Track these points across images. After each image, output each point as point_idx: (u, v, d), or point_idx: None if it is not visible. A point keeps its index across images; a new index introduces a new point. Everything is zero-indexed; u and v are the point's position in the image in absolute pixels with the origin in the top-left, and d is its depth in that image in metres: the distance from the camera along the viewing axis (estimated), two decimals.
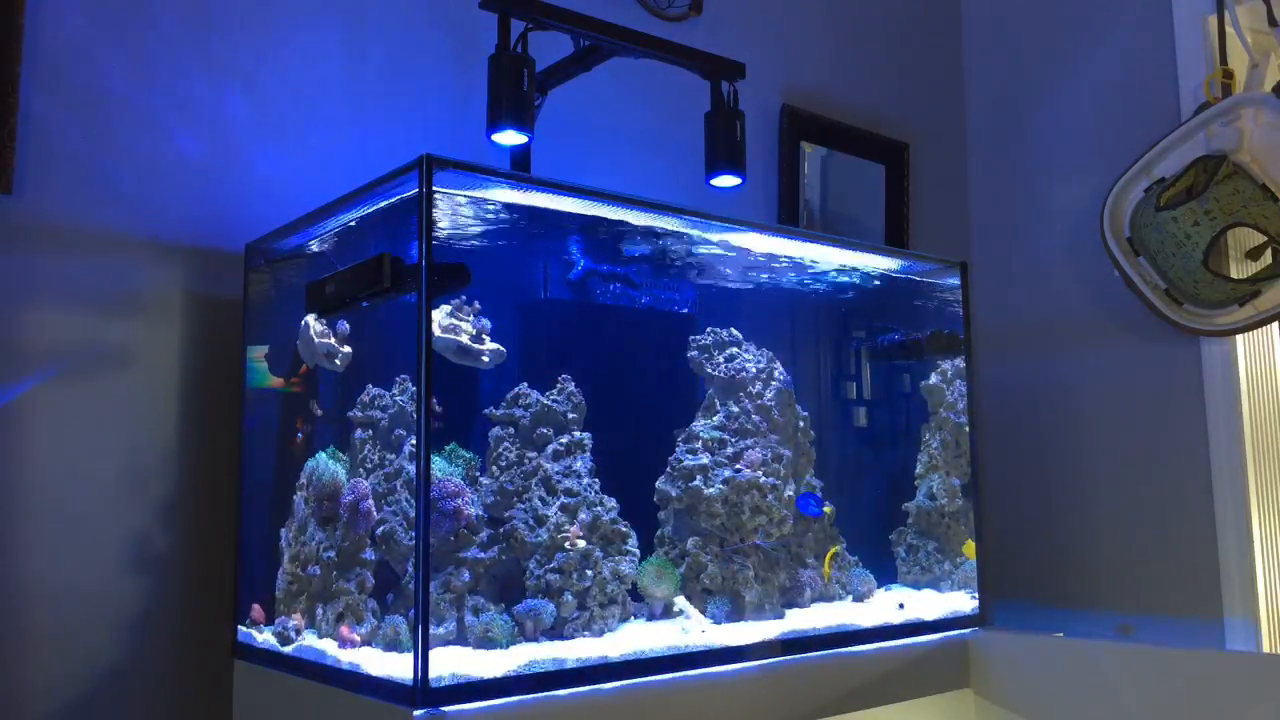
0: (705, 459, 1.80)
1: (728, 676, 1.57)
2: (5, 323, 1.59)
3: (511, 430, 1.69)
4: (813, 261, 2.09)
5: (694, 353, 1.91)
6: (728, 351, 1.91)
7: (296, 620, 1.57)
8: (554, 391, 1.71)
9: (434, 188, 1.36)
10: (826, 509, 1.72)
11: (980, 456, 2.17)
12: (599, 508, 1.65)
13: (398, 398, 1.64)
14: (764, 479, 1.79)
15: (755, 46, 2.49)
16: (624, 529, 1.66)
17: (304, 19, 1.91)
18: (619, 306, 1.95)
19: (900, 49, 2.89)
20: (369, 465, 1.63)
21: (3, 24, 1.58)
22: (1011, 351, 2.82)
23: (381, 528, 1.55)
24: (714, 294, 2.05)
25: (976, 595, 1.99)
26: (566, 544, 1.58)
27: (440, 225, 1.53)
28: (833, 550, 1.93)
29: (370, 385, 1.67)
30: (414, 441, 1.54)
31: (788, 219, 2.52)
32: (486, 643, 1.47)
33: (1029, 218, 2.84)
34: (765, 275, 2.09)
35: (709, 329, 1.92)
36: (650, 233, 1.82)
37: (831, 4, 2.75)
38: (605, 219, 1.73)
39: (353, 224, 1.60)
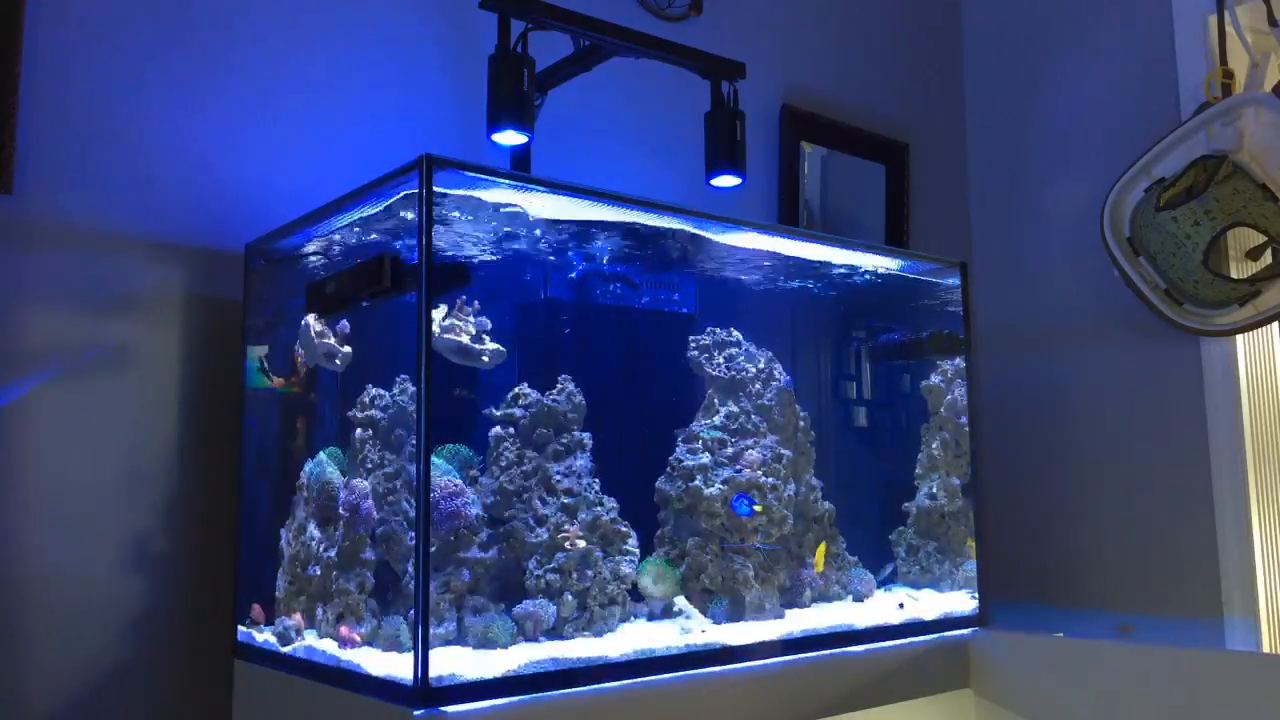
0: (705, 459, 1.80)
1: (728, 676, 1.57)
2: (5, 323, 1.59)
3: (511, 430, 1.69)
4: (813, 261, 2.09)
5: (694, 353, 1.91)
6: (728, 351, 1.90)
7: (296, 620, 1.57)
8: (554, 391, 1.71)
9: (434, 188, 1.36)
10: (758, 509, 1.72)
11: (980, 456, 2.17)
12: (599, 508, 1.65)
13: (398, 398, 1.64)
14: (764, 479, 1.79)
15: (755, 46, 2.49)
16: (624, 529, 1.66)
17: (304, 18, 1.91)
18: (619, 306, 1.95)
19: (900, 49, 2.89)
20: (369, 465, 1.63)
21: (3, 24, 1.58)
22: (1011, 351, 2.82)
23: (381, 528, 1.55)
24: (714, 294, 2.05)
25: (976, 595, 1.99)
26: (566, 544, 1.58)
27: (440, 225, 1.53)
28: (823, 545, 1.92)
29: (370, 385, 1.67)
30: (414, 441, 1.54)
31: (788, 219, 2.52)
32: (486, 643, 1.47)
33: (1029, 218, 2.84)
34: (765, 275, 2.09)
35: (709, 329, 1.92)
36: (650, 232, 1.82)
37: (831, 4, 2.75)
38: (605, 219, 1.73)
39: (353, 224, 1.60)
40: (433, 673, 1.29)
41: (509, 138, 1.71)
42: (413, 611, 1.34)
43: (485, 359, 1.55)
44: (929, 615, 1.90)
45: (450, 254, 1.63)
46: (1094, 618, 2.57)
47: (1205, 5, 2.46)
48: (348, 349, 1.62)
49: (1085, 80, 2.74)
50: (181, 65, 1.77)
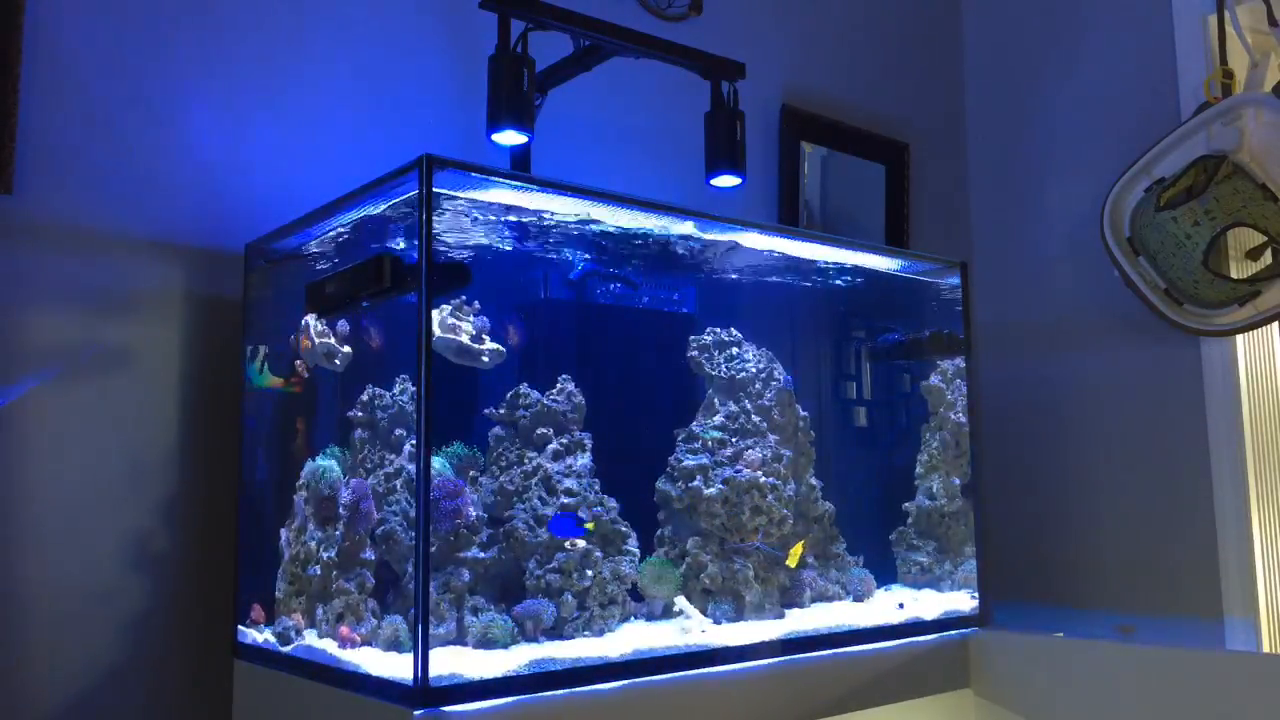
0: (705, 459, 1.80)
1: (728, 676, 1.57)
2: (5, 323, 1.59)
3: (511, 430, 1.69)
4: (813, 261, 2.09)
5: (694, 353, 1.91)
6: (728, 351, 1.90)
7: (296, 620, 1.57)
8: (554, 391, 1.71)
9: (434, 188, 1.36)
10: (590, 525, 1.66)
11: (980, 456, 2.17)
12: (599, 508, 1.65)
13: (398, 398, 1.64)
14: (764, 479, 1.79)
15: (755, 46, 2.49)
16: (624, 529, 1.66)
17: (304, 18, 1.91)
18: (619, 306, 1.95)
19: (900, 49, 2.89)
20: (369, 465, 1.63)
21: (3, 24, 1.58)
22: (1011, 351, 2.82)
23: (381, 528, 1.55)
24: (714, 294, 2.05)
25: (976, 595, 1.99)
26: (567, 544, 1.58)
27: (440, 225, 1.53)
28: (800, 544, 1.89)
29: (370, 385, 1.67)
30: (414, 441, 1.54)
31: (788, 219, 2.52)
32: (486, 643, 1.47)
33: (1029, 218, 2.84)
34: (765, 275, 2.09)
35: (709, 329, 1.92)
36: (650, 233, 1.82)
37: (831, 4, 2.75)
38: (605, 219, 1.73)
39: (353, 224, 1.60)
40: (433, 673, 1.29)
41: (509, 138, 1.71)
42: (413, 611, 1.34)
43: (485, 359, 1.55)
44: (929, 615, 1.90)
45: (450, 254, 1.63)
46: (1094, 618, 2.57)
47: (1205, 5, 2.46)
48: (347, 349, 1.63)
49: (1085, 80, 2.74)
50: (181, 65, 1.77)
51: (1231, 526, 2.37)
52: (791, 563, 1.82)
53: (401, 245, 1.52)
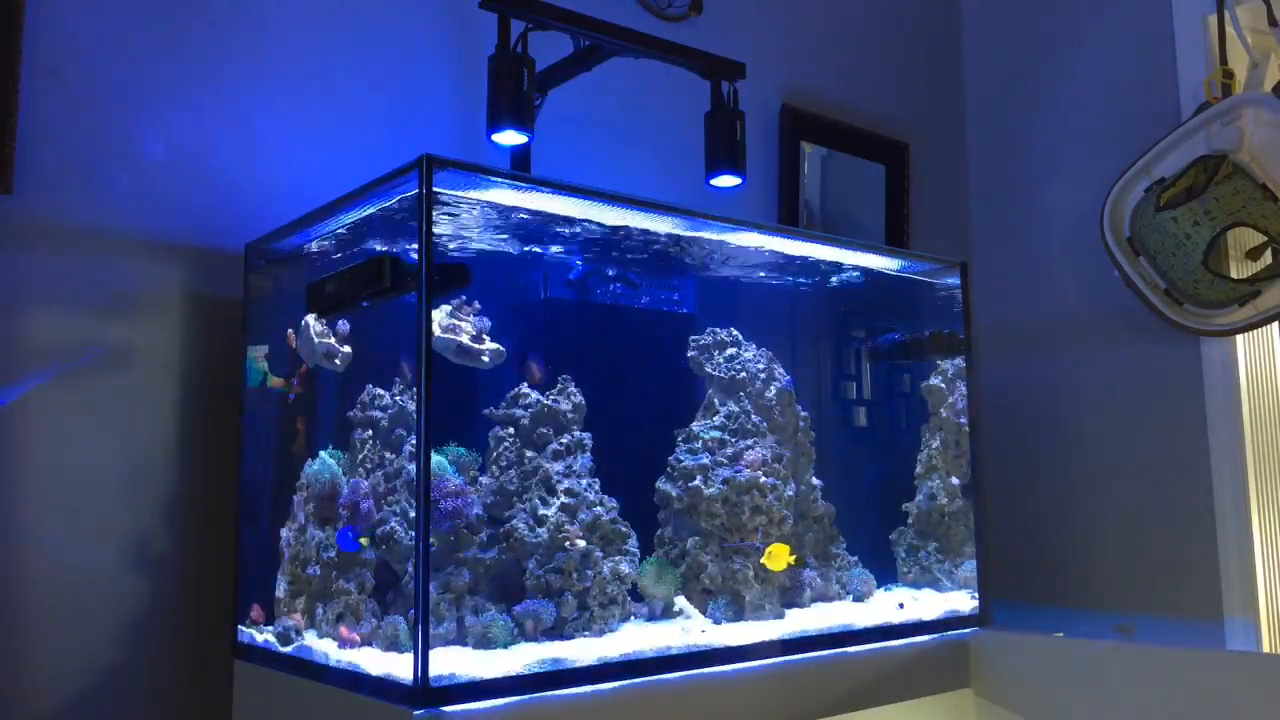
0: (705, 459, 1.80)
1: (728, 676, 1.57)
2: (5, 323, 1.59)
3: (511, 430, 1.69)
4: (813, 261, 2.09)
5: (694, 353, 1.91)
6: (728, 351, 1.90)
7: (296, 620, 1.57)
8: (554, 391, 1.71)
9: (434, 188, 1.36)
10: (363, 541, 1.62)
11: (980, 456, 2.17)
12: (599, 508, 1.65)
13: (398, 398, 1.64)
14: (764, 479, 1.79)
15: (755, 46, 2.49)
16: (624, 529, 1.66)
17: (304, 19, 1.91)
18: (619, 306, 1.95)
19: (900, 49, 2.89)
20: (369, 465, 1.63)
21: (3, 23, 1.58)
22: (1011, 351, 2.82)
23: (381, 528, 1.55)
24: (714, 294, 2.05)
25: (976, 595, 1.99)
26: (566, 544, 1.58)
27: (440, 225, 1.53)
28: (786, 549, 1.84)
29: (370, 385, 1.67)
30: (414, 441, 1.54)
31: (788, 219, 2.52)
32: (486, 643, 1.47)
33: (1029, 218, 2.84)
34: (765, 275, 2.09)
35: (709, 329, 1.92)
36: (650, 233, 1.82)
37: (831, 4, 2.75)
38: (605, 219, 1.73)
39: (353, 224, 1.60)
40: (433, 673, 1.29)
41: (509, 138, 1.71)
42: (413, 611, 1.34)
43: (485, 359, 1.55)
44: (929, 615, 1.90)
45: (450, 254, 1.63)
46: (1094, 618, 2.57)
47: (1205, 5, 2.46)
48: (348, 349, 1.62)
49: (1085, 80, 2.74)
50: (181, 65, 1.77)
51: (1231, 526, 2.37)
52: (767, 562, 1.77)
53: (401, 245, 1.52)
